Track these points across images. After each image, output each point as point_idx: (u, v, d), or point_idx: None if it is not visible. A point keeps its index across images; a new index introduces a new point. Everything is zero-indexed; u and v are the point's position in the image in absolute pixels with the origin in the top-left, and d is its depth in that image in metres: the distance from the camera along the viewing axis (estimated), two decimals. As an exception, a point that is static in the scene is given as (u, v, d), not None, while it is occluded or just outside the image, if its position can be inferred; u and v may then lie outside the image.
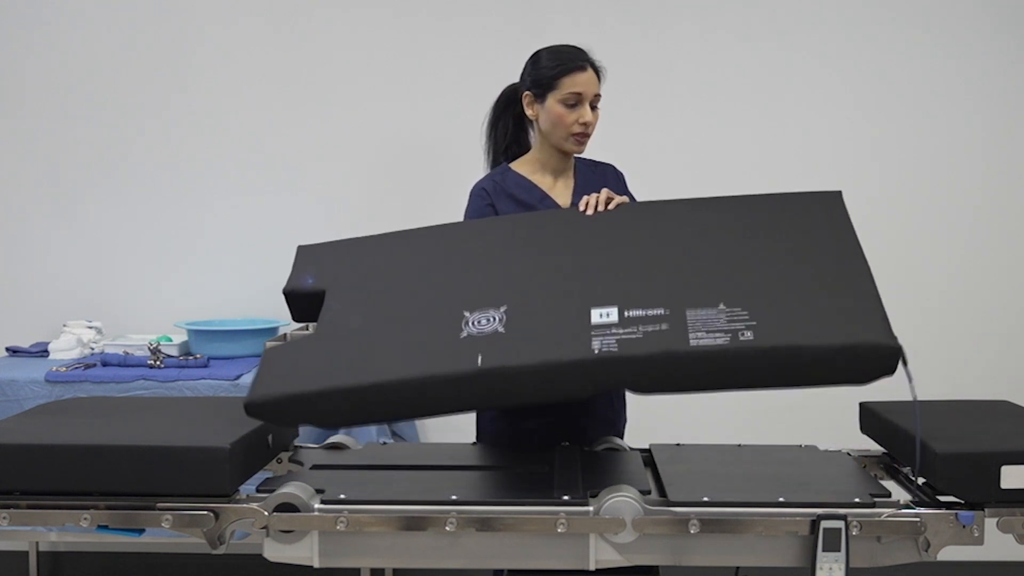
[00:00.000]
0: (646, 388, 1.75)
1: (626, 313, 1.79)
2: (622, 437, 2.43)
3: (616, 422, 2.45)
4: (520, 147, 2.45)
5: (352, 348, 1.87)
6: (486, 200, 2.34)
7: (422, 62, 3.58)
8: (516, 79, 2.42)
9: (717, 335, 1.72)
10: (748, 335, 1.71)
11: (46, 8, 3.61)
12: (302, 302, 2.11)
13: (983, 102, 3.53)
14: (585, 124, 2.29)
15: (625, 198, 2.18)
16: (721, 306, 1.78)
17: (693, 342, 1.71)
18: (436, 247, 2.13)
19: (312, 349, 1.90)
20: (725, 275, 1.87)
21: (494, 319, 1.84)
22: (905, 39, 3.52)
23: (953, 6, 3.51)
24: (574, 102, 2.28)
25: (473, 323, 1.84)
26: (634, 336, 1.74)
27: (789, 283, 1.84)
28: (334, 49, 3.59)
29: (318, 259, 2.20)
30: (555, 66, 2.29)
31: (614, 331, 1.76)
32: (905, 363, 1.70)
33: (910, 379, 1.72)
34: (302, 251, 2.25)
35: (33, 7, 3.61)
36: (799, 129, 3.55)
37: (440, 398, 1.76)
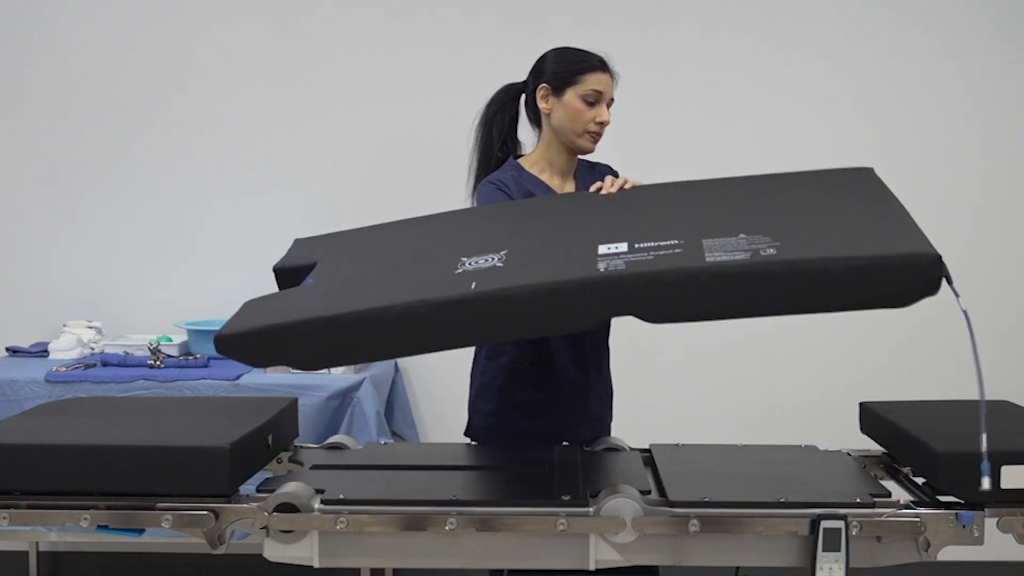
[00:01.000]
0: (657, 313, 1.56)
1: (636, 244, 1.64)
2: (609, 434, 2.44)
3: (604, 419, 2.46)
4: (507, 149, 2.42)
5: (334, 290, 1.75)
6: (505, 191, 2.27)
7: (421, 62, 3.58)
8: (517, 79, 2.42)
9: (736, 253, 1.56)
10: (771, 251, 1.55)
11: (46, 8, 3.61)
12: (291, 281, 2.03)
13: (983, 102, 3.53)
14: (601, 123, 2.30)
15: (640, 181, 2.19)
16: (741, 235, 1.62)
17: (709, 259, 1.55)
18: (435, 223, 2.04)
19: (292, 296, 1.80)
20: (746, 212, 1.71)
21: (492, 259, 1.71)
22: (905, 38, 3.52)
23: (953, 6, 3.51)
24: (594, 99, 2.29)
25: (470, 263, 1.70)
26: (644, 258, 1.59)
27: (816, 213, 1.67)
28: (333, 49, 3.59)
29: (313, 245, 2.15)
30: (579, 61, 2.30)
31: (622, 257, 1.61)
32: (948, 278, 1.55)
33: (957, 294, 1.54)
34: (298, 243, 2.21)
35: (33, 7, 3.61)
36: (799, 129, 3.55)
37: (428, 327, 1.58)
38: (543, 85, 2.33)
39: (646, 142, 3.53)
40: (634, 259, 1.59)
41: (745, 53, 3.54)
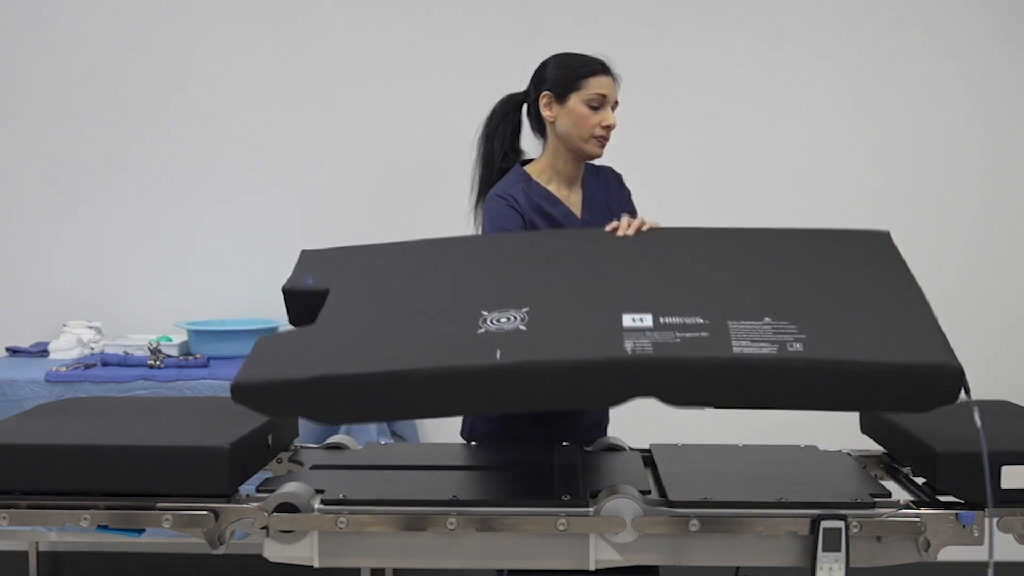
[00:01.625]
0: (681, 398, 1.57)
1: (662, 319, 1.64)
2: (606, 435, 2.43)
3: (602, 422, 2.45)
4: (509, 160, 2.38)
5: (354, 338, 1.71)
6: (515, 207, 2.24)
7: (422, 63, 3.58)
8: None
9: (763, 344, 1.57)
10: (798, 347, 1.56)
11: (46, 9, 3.61)
12: (301, 303, 1.99)
13: (984, 102, 3.53)
14: (607, 127, 2.26)
15: (658, 221, 2.11)
16: (766, 319, 1.64)
17: (736, 349, 1.56)
18: (450, 255, 1.98)
19: (309, 338, 1.75)
20: (769, 292, 1.73)
21: (515, 318, 1.68)
22: (906, 38, 3.52)
23: (953, 6, 3.51)
24: (598, 104, 2.26)
25: (492, 320, 1.68)
26: (671, 340, 1.58)
27: (839, 303, 1.70)
28: (334, 50, 3.59)
29: (322, 262, 2.08)
30: (581, 66, 2.27)
31: (648, 334, 1.60)
32: (967, 390, 1.58)
33: (974, 408, 1.62)
34: (305, 255, 2.14)
35: (34, 8, 3.61)
36: (799, 129, 3.55)
37: (450, 394, 1.58)
38: (545, 93, 2.29)
39: (645, 141, 3.53)
40: (661, 339, 1.58)
41: (745, 53, 3.54)
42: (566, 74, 2.27)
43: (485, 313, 1.70)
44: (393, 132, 3.59)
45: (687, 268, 1.83)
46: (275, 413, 1.72)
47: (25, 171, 3.65)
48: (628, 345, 1.57)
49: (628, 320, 1.64)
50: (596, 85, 2.26)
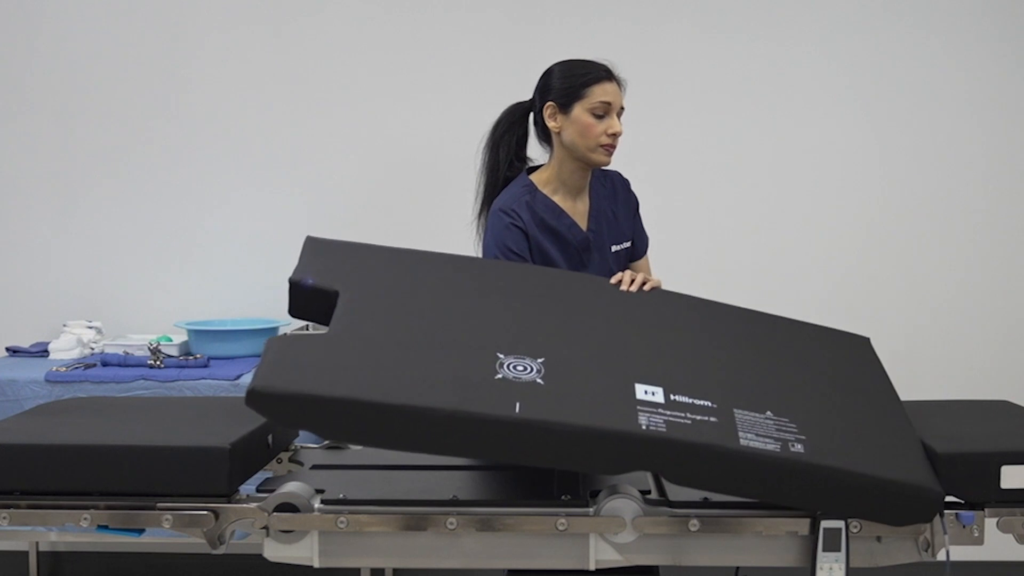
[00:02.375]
0: (684, 479, 1.68)
1: (672, 396, 1.74)
2: None
3: None
4: (515, 169, 2.36)
5: (373, 360, 1.72)
6: (520, 234, 2.23)
7: (422, 62, 3.58)
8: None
9: (767, 440, 1.70)
10: (799, 447, 1.70)
11: (47, 9, 3.61)
12: (304, 297, 1.98)
13: (985, 102, 3.52)
14: (614, 135, 2.22)
15: (659, 281, 2.15)
16: (768, 413, 1.77)
17: (743, 442, 1.68)
18: (465, 278, 2.02)
19: (326, 349, 1.74)
20: (769, 385, 1.86)
21: (531, 368, 1.75)
22: (905, 36, 3.52)
23: (953, 6, 3.51)
24: (603, 112, 2.21)
25: (509, 367, 1.74)
26: (682, 421, 1.69)
27: (833, 408, 1.85)
28: (334, 49, 3.59)
29: (329, 255, 2.06)
30: (584, 74, 2.22)
31: (661, 411, 1.70)
32: (942, 513, 1.71)
33: (945, 531, 1.73)
34: (311, 243, 2.11)
35: (34, 9, 3.61)
36: (799, 128, 3.55)
37: (465, 438, 1.64)
38: (549, 104, 2.25)
39: (645, 140, 3.53)
40: (672, 419, 1.69)
41: (744, 51, 3.54)
42: (569, 83, 2.23)
43: (501, 356, 1.77)
44: (393, 131, 3.59)
45: (692, 344, 1.95)
46: (286, 424, 1.74)
47: (25, 171, 3.65)
48: (642, 420, 1.67)
49: (641, 392, 1.74)
50: (600, 93, 2.21)
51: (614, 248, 2.35)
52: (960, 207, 3.55)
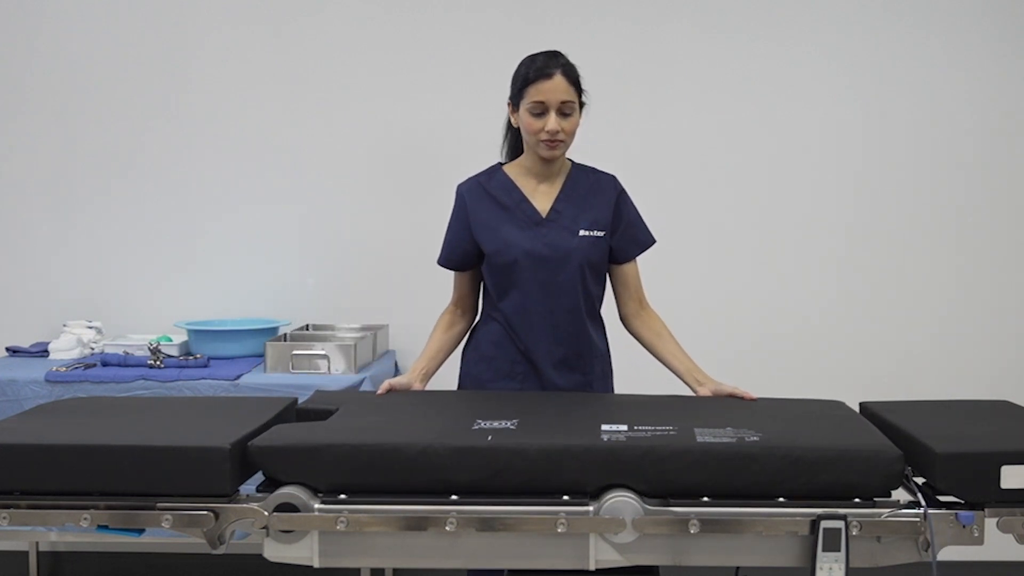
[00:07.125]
0: (648, 483, 1.78)
1: (635, 427, 1.90)
2: None
3: None
4: (518, 151, 2.49)
5: (360, 425, 1.97)
6: (461, 203, 2.45)
7: (422, 62, 3.58)
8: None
9: (723, 438, 1.83)
10: (754, 439, 1.82)
11: (47, 9, 3.61)
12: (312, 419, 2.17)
13: (985, 102, 3.53)
14: (550, 132, 2.30)
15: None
16: (728, 428, 1.90)
17: (700, 439, 1.82)
18: (451, 396, 2.40)
19: (319, 426, 1.96)
20: (733, 414, 2.03)
21: (506, 423, 1.94)
22: (905, 36, 3.52)
23: (953, 6, 3.51)
24: (539, 111, 2.30)
25: (485, 424, 1.94)
26: (642, 435, 1.85)
27: (795, 418, 2.02)
28: (334, 49, 3.59)
29: (333, 396, 2.38)
30: (524, 75, 2.32)
31: (623, 433, 1.87)
32: (910, 477, 1.76)
33: (918, 490, 1.76)
34: (319, 394, 2.43)
35: (34, 9, 3.61)
36: (799, 128, 3.55)
37: (439, 470, 1.78)
38: (508, 103, 2.39)
39: (646, 139, 3.54)
40: (633, 435, 1.85)
41: (743, 51, 3.54)
42: (514, 84, 2.36)
43: (480, 421, 1.96)
44: (394, 133, 3.59)
45: (662, 403, 2.18)
46: (281, 476, 1.84)
47: (26, 172, 3.65)
48: (605, 437, 1.84)
49: (605, 427, 1.91)
50: (534, 93, 2.30)
51: (582, 232, 2.41)
52: (960, 206, 3.55)
